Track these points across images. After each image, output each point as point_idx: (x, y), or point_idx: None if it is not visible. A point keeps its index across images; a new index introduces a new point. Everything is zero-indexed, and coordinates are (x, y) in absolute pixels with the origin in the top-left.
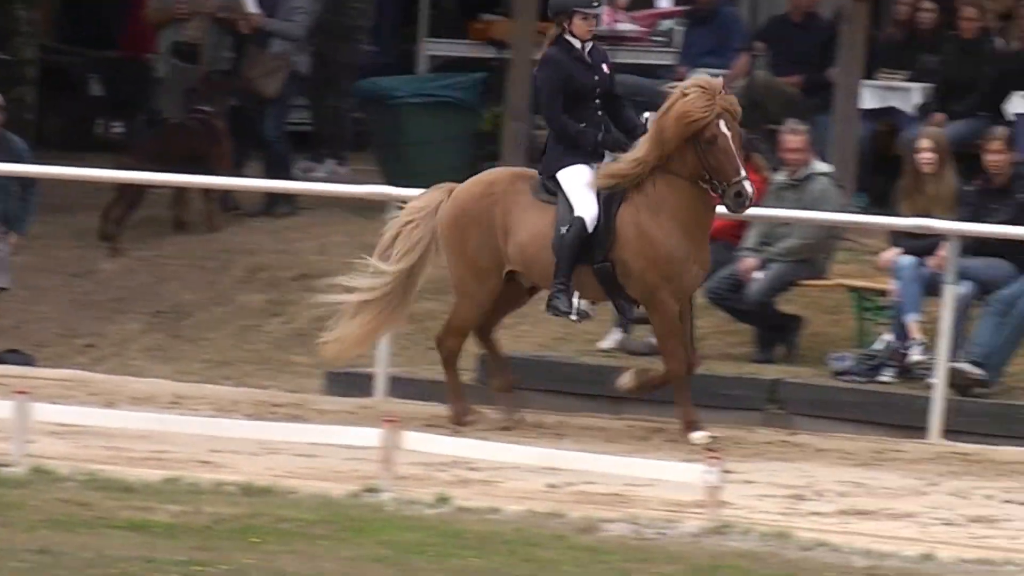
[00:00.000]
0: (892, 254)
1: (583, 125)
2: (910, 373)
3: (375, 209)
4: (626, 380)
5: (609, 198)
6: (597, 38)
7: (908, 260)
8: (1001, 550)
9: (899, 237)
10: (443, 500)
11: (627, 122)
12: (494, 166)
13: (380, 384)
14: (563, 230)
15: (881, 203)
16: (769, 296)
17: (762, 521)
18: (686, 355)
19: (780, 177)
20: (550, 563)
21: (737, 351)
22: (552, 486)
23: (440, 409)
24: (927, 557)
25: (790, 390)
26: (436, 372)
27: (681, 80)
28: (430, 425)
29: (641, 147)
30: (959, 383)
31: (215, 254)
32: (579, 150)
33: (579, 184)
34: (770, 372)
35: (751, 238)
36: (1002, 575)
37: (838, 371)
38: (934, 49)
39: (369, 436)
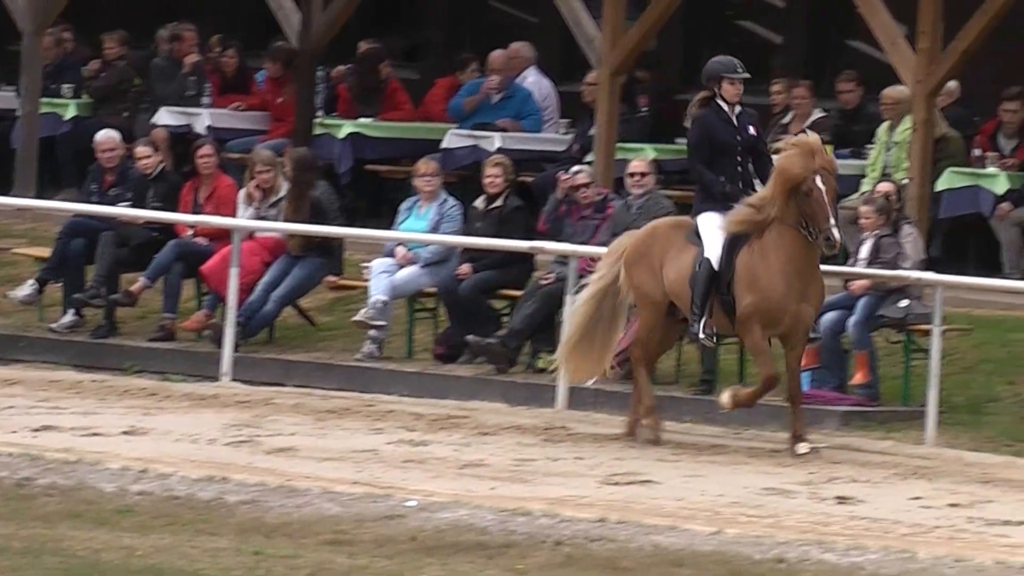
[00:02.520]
0: None
1: (722, 178)
2: None
3: None
4: (725, 399)
5: (734, 241)
6: None
7: None
8: None
9: None
10: None
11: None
12: None
13: None
14: (697, 267)
15: None
16: None
17: None
18: (775, 368)
19: None
20: None
21: None
22: None
23: None
24: None
25: None
26: None
27: None
28: None
29: (755, 197)
30: None
31: None
32: (713, 198)
33: (711, 229)
34: None
35: None
36: None
37: None
38: None
39: None
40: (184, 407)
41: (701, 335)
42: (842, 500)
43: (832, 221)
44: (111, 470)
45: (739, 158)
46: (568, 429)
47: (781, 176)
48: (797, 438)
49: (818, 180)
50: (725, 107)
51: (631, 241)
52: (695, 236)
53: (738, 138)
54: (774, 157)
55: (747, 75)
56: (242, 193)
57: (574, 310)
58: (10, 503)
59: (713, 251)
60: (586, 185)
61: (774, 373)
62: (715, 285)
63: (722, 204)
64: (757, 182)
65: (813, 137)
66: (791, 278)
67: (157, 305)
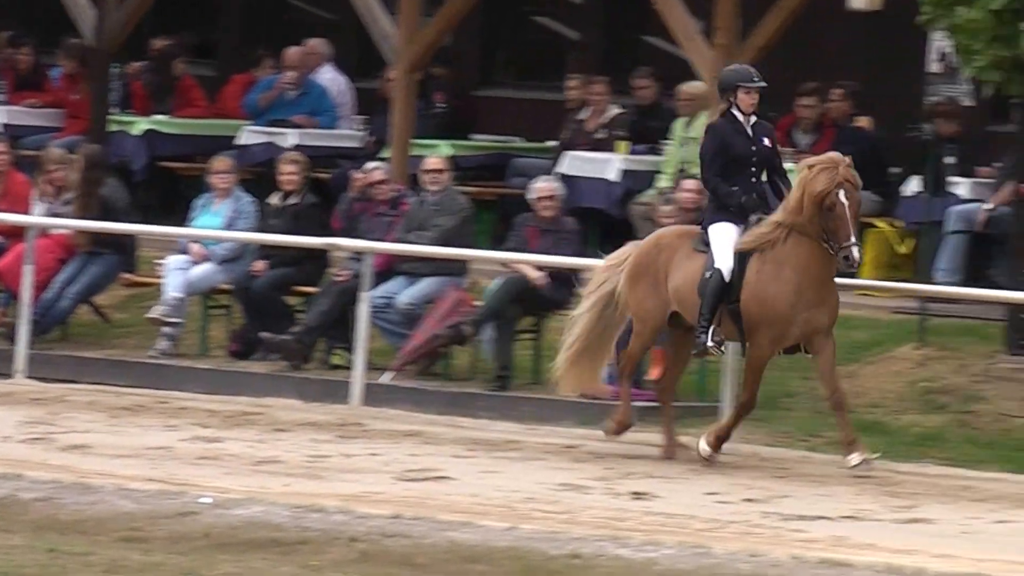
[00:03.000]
0: None
1: (735, 188)
2: None
3: None
4: (704, 447)
5: (745, 251)
6: None
7: None
8: None
9: None
10: None
11: (783, 190)
12: None
13: None
14: (707, 275)
15: None
16: None
17: None
18: (756, 394)
19: None
20: None
21: None
22: None
23: None
24: None
25: None
26: None
27: None
28: None
29: (779, 213)
30: None
31: None
32: (727, 209)
33: (723, 240)
34: None
35: None
36: None
37: None
38: None
39: None
40: None
41: (710, 343)
42: (638, 495)
43: (853, 239)
44: None
45: (754, 169)
46: (363, 425)
47: (809, 192)
48: (850, 446)
49: (841, 195)
50: (740, 117)
51: (635, 252)
52: (703, 245)
53: (753, 149)
54: (803, 174)
55: (763, 84)
56: (36, 190)
57: (573, 321)
58: None
59: (724, 262)
60: (382, 181)
61: (751, 400)
62: (725, 295)
63: (735, 215)
64: (771, 194)
65: (836, 155)
66: (803, 288)
67: None
